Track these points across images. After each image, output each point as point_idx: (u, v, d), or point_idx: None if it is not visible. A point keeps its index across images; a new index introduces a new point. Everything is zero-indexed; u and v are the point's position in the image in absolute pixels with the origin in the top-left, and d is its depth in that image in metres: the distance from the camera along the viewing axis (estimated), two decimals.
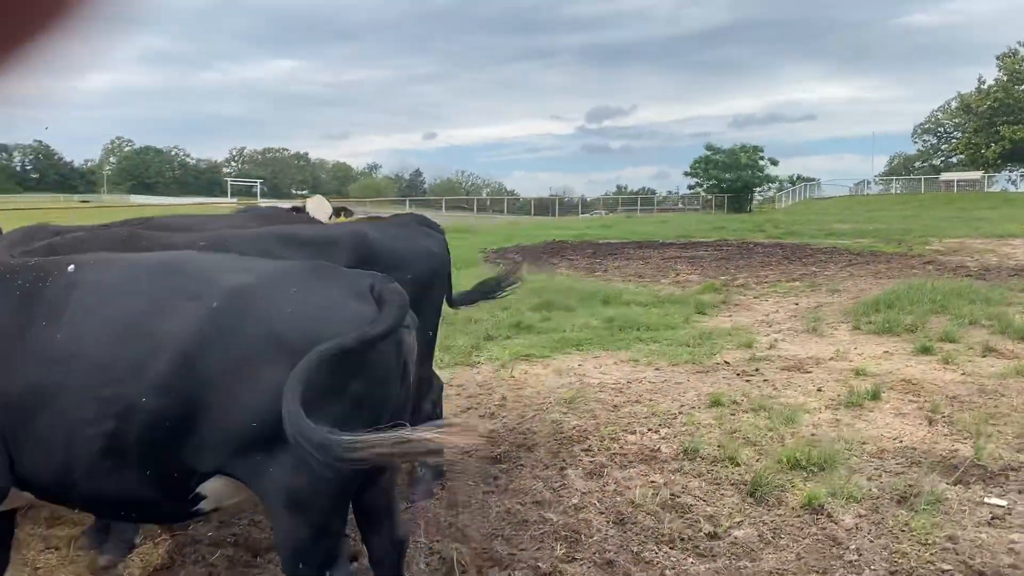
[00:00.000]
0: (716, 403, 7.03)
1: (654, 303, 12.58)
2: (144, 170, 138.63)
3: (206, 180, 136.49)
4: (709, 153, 56.80)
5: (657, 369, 8.52)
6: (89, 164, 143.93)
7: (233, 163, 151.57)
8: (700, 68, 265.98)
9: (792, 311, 12.10)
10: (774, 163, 58.65)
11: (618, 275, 16.93)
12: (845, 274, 16.24)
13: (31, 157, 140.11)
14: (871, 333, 10.06)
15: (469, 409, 7.07)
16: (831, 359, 8.75)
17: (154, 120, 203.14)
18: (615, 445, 6.03)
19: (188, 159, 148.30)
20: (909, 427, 6.37)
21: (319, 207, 10.13)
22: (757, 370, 8.31)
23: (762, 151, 56.89)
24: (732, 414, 6.78)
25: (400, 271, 4.70)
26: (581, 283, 13.91)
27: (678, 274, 17.11)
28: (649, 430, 6.40)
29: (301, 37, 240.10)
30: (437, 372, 7.70)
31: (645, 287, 14.81)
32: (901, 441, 6.04)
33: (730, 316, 11.85)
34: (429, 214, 6.37)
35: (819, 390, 7.49)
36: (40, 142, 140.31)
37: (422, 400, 4.99)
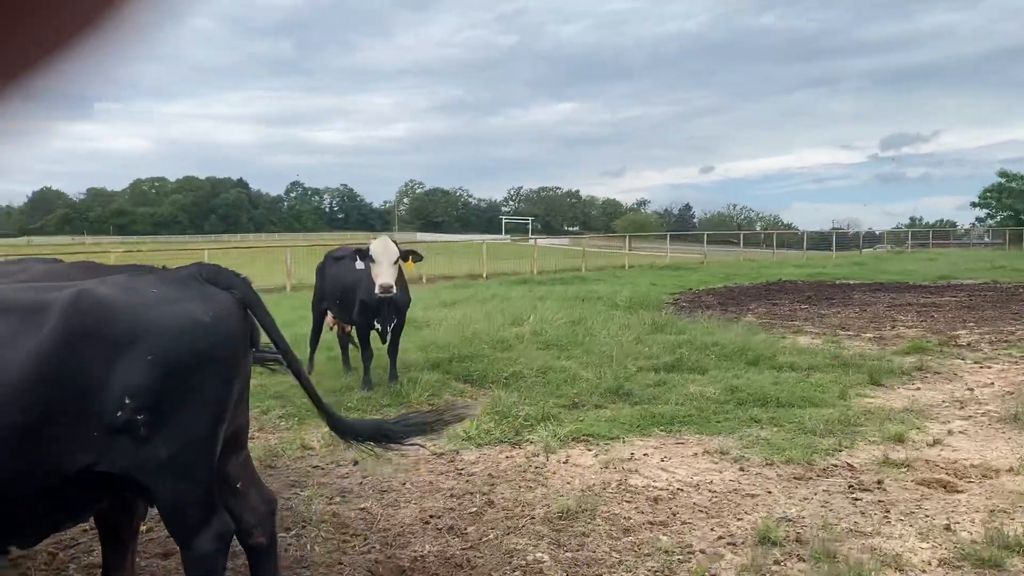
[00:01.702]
0: (766, 540, 4.80)
1: (820, 366, 9.95)
2: (432, 209, 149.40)
3: (485, 218, 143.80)
4: (1003, 180, 48.54)
5: (742, 469, 6.29)
6: (386, 205, 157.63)
7: (511, 202, 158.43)
8: (1017, 87, 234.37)
9: (1013, 385, 8.93)
10: None
11: (813, 326, 14.08)
12: None
13: (338, 199, 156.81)
14: None
15: (434, 518, 5.44)
16: (1009, 470, 5.95)
17: (445, 164, 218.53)
18: None
19: (471, 199, 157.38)
20: None
21: (384, 250, 9.00)
22: (881, 483, 5.81)
23: None
24: (777, 563, 4.53)
25: (136, 348, 3.32)
26: (734, 336, 11.50)
27: (893, 326, 13.88)
28: None
29: (581, 80, 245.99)
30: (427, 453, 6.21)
31: (833, 343, 12.00)
32: None
33: (916, 389, 8.97)
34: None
35: (948, 528, 4.93)
36: (345, 186, 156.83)
37: (197, 533, 3.53)
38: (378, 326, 9.28)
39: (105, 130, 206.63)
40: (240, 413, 3.82)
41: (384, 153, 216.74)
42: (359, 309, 9.29)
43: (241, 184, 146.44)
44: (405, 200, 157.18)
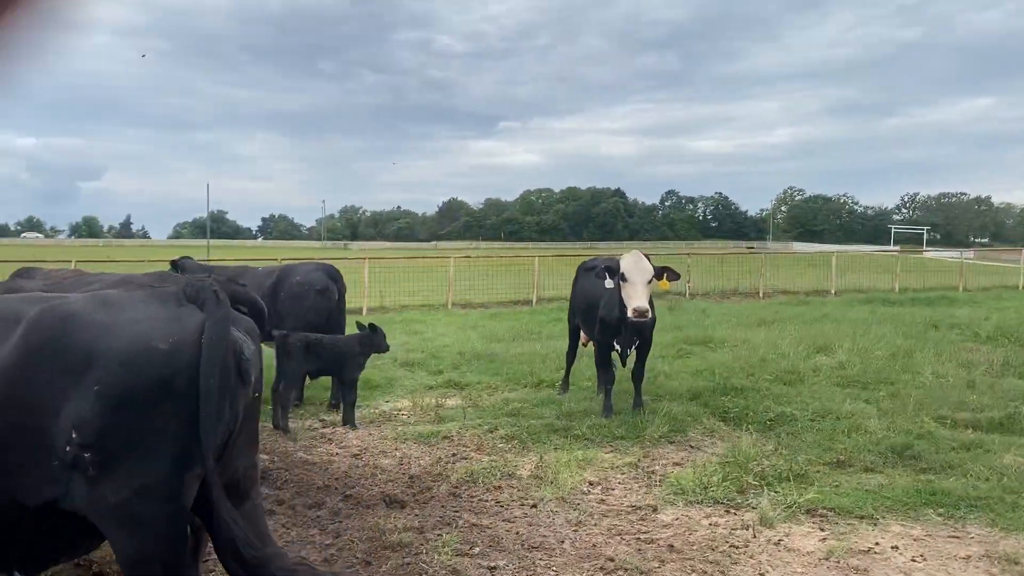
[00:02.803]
0: None
1: None
2: (811, 218, 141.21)
3: (871, 227, 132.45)
4: None
5: None
6: (762, 213, 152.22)
7: (903, 210, 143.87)
8: None
9: None
10: None
11: None
12: None
13: (712, 207, 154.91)
14: None
15: None
16: None
17: (829, 169, 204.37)
18: None
19: (856, 206, 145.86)
20: None
21: (635, 267, 7.98)
22: None
23: None
24: None
25: (87, 375, 2.93)
26: None
27: None
28: None
29: (1002, 72, 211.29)
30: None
31: None
32: None
33: None
34: None
35: None
36: (720, 194, 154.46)
37: None
38: (617, 347, 8.33)
39: (505, 146, 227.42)
40: (237, 457, 3.25)
41: (764, 160, 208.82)
42: (599, 327, 8.44)
43: (619, 194, 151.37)
44: (783, 208, 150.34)
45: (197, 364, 2.94)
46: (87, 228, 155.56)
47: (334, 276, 9.37)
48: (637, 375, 8.51)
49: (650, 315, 7.85)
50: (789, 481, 6.17)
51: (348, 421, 8.30)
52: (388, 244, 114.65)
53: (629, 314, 7.77)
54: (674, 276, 8.24)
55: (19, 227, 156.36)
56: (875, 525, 5.38)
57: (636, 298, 7.80)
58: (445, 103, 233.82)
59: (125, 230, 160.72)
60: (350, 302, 20.56)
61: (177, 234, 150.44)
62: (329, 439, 7.89)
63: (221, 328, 3.01)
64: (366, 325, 8.57)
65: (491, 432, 7.88)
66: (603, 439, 7.63)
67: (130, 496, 2.90)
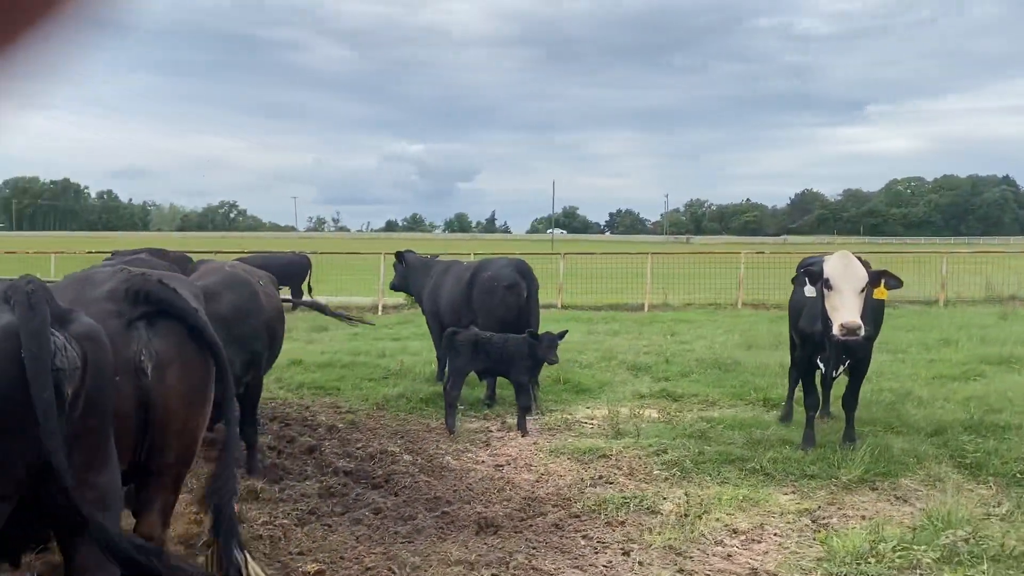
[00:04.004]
0: None
1: None
2: None
3: None
4: None
5: None
6: None
7: None
8: None
9: None
10: None
11: None
12: None
13: None
14: None
15: None
16: None
17: None
18: None
19: None
20: None
21: (843, 272, 6.45)
22: None
23: None
24: None
25: None
26: None
27: None
28: None
29: None
30: None
31: None
32: None
33: None
34: None
35: None
36: None
37: None
38: (821, 365, 6.82)
39: (872, 132, 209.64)
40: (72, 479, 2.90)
41: None
42: (799, 341, 7.00)
43: (1007, 181, 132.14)
44: None
45: None
46: (458, 224, 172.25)
47: (524, 272, 8.94)
48: (848, 402, 6.92)
49: (863, 332, 6.25)
50: (987, 562, 4.51)
51: (520, 426, 7.82)
52: (732, 238, 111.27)
53: (835, 330, 6.22)
54: (893, 283, 6.54)
55: (405, 223, 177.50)
56: None
57: (844, 310, 6.24)
58: (804, 89, 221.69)
59: (490, 225, 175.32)
60: (631, 297, 20.13)
61: (534, 229, 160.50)
62: (488, 444, 7.48)
63: (40, 340, 2.71)
64: (544, 332, 8.03)
65: (657, 455, 6.91)
66: (787, 476, 6.31)
67: None
